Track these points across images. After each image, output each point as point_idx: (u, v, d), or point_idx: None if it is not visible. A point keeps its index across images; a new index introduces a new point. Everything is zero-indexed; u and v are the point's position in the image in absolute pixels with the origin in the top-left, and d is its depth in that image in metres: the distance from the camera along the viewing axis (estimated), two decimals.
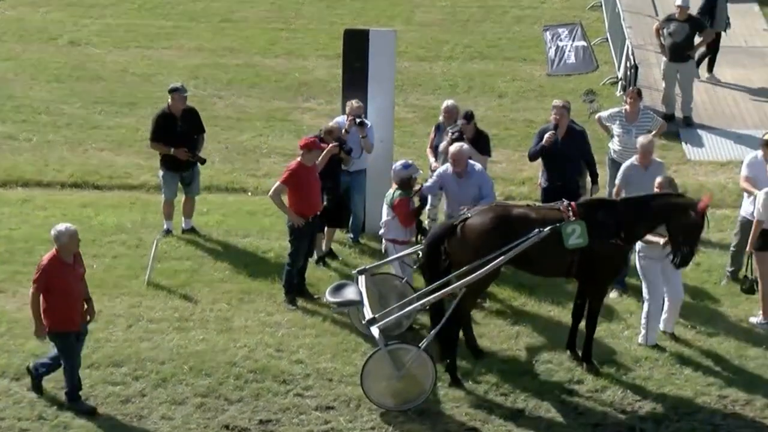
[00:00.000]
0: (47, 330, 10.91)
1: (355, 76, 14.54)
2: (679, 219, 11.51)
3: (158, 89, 20.29)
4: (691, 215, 11.46)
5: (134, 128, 18.74)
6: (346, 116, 14.22)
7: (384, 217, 12.84)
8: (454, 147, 13.00)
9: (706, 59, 19.85)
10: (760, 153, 13.43)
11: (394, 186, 12.73)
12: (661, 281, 12.26)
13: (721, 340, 12.48)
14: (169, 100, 14.42)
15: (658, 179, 12.24)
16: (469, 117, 13.93)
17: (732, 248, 13.68)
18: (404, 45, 22.10)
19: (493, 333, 12.60)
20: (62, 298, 10.76)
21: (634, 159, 13.20)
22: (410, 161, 12.95)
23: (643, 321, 12.41)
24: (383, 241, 13.01)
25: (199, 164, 14.57)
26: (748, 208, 13.34)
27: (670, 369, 11.99)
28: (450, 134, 13.75)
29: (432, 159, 14.20)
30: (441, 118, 14.63)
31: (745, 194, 13.46)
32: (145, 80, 20.80)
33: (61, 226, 10.81)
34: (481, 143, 13.88)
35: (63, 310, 10.79)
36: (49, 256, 10.82)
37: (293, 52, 22.40)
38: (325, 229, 14.07)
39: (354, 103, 14.18)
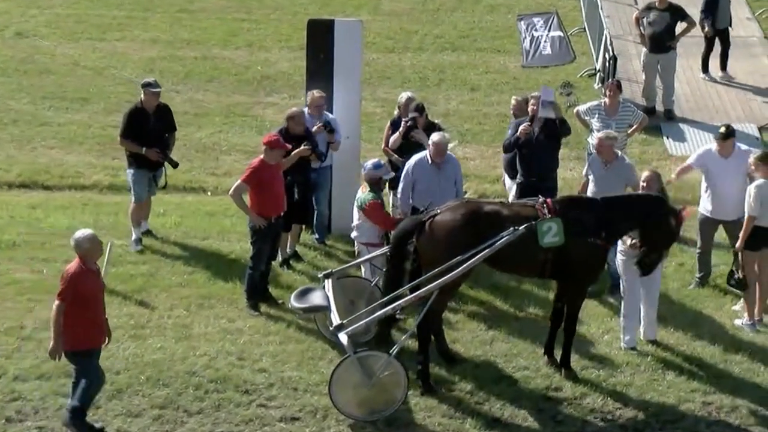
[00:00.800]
0: (71, 349, 10.51)
1: (319, 68, 14.54)
2: (659, 225, 11.64)
3: (111, 83, 20.26)
4: (671, 223, 11.61)
5: (86, 125, 18.68)
6: (306, 107, 14.23)
7: (355, 221, 12.85)
8: (437, 136, 13.08)
9: (718, 58, 19.79)
10: (714, 146, 13.55)
11: (365, 187, 12.73)
12: (638, 281, 12.33)
13: (704, 343, 12.55)
14: (142, 96, 14.34)
15: (646, 173, 12.35)
16: (421, 109, 14.05)
17: (697, 251, 13.76)
18: (371, 35, 22.13)
19: (467, 338, 12.62)
20: (90, 310, 10.46)
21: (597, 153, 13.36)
22: (382, 161, 12.99)
23: (621, 322, 12.48)
24: (356, 243, 13.01)
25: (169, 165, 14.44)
26: (707, 205, 13.44)
27: (652, 375, 12.05)
28: (404, 124, 13.86)
29: (395, 156, 14.19)
30: (397, 112, 14.67)
31: (703, 191, 13.57)
32: (97, 74, 20.73)
33: (78, 233, 10.60)
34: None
35: (89, 325, 10.47)
36: (74, 265, 10.50)
37: (254, 43, 22.39)
38: (291, 226, 14.06)
39: (315, 93, 14.19)
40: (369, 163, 12.81)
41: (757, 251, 12.70)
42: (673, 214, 11.66)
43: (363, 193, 12.72)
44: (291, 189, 13.54)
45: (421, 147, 13.60)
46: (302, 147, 13.52)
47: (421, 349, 11.73)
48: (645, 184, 12.35)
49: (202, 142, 18.04)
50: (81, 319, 10.49)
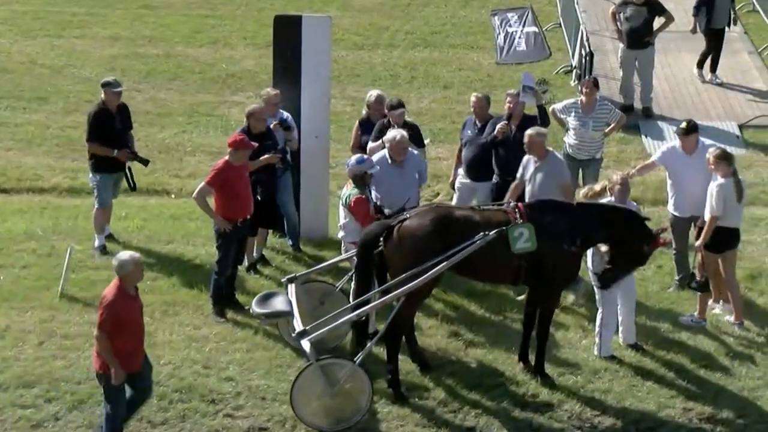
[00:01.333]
0: (99, 371, 10.47)
1: (286, 66, 14.53)
2: (632, 245, 11.76)
3: (69, 82, 20.18)
4: (644, 247, 11.73)
5: (44, 125, 18.59)
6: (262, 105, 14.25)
7: (341, 219, 12.81)
8: (393, 134, 13.07)
9: (708, 60, 19.66)
10: (678, 143, 13.63)
11: (349, 184, 12.67)
12: (617, 288, 12.35)
13: (685, 348, 12.61)
14: (102, 95, 14.26)
15: (615, 178, 12.38)
16: (397, 106, 13.94)
17: (673, 253, 13.82)
18: (340, 32, 22.14)
19: (440, 344, 12.63)
20: (127, 335, 10.38)
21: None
22: (365, 156, 12.95)
23: (597, 330, 12.52)
24: (343, 243, 12.98)
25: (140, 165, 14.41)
26: (674, 205, 13.46)
27: (631, 381, 12.09)
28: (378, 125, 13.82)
29: None
30: (365, 111, 14.65)
31: (669, 190, 13.64)
32: (55, 72, 20.64)
33: (125, 255, 10.47)
34: (413, 135, 13.86)
35: (124, 349, 10.39)
36: (113, 290, 10.39)
37: (219, 40, 22.35)
38: (258, 230, 14.04)
39: (270, 91, 14.18)
40: (352, 159, 12.76)
41: (719, 253, 12.77)
42: (649, 240, 11.74)
43: (347, 189, 12.66)
44: (254, 190, 13.53)
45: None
46: (271, 154, 13.53)
47: (390, 356, 11.73)
48: (618, 187, 12.35)
49: (165, 143, 17.99)
50: (117, 346, 10.36)
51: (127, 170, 14.42)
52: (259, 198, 13.59)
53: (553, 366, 12.16)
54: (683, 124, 13.59)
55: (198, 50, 21.84)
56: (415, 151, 13.51)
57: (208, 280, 13.24)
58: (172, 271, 14.02)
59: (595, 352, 12.47)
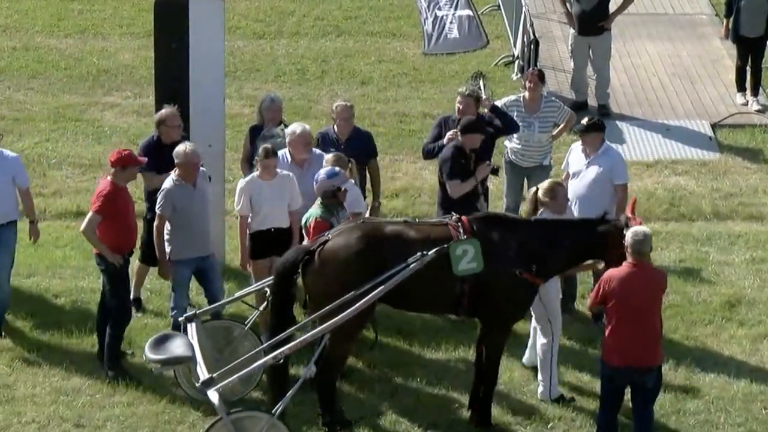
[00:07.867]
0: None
1: (171, 60, 14.50)
2: (613, 251, 11.65)
3: None
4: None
5: None
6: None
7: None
8: (294, 128, 13.09)
9: (748, 78, 19.03)
10: (579, 143, 13.92)
11: (318, 202, 12.49)
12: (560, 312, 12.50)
13: None
14: None
15: (545, 184, 12.50)
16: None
17: None
18: (236, 18, 22.15)
19: (364, 389, 12.65)
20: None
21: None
22: (336, 168, 12.59)
23: (541, 364, 12.47)
24: None
25: None
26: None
27: (590, 430, 12.19)
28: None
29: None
30: (258, 117, 14.58)
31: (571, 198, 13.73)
32: None
33: None
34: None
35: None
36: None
37: (88, 29, 22.25)
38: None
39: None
40: (321, 172, 12.51)
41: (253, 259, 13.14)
42: (623, 231, 11.67)
43: (313, 208, 12.52)
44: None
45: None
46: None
47: (324, 406, 11.73)
48: (548, 198, 12.46)
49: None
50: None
51: None
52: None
53: (497, 414, 12.21)
54: (584, 120, 13.75)
55: (63, 41, 21.73)
56: (317, 152, 13.50)
57: (80, 320, 13.18)
58: (34, 310, 13.91)
59: (542, 394, 12.53)
